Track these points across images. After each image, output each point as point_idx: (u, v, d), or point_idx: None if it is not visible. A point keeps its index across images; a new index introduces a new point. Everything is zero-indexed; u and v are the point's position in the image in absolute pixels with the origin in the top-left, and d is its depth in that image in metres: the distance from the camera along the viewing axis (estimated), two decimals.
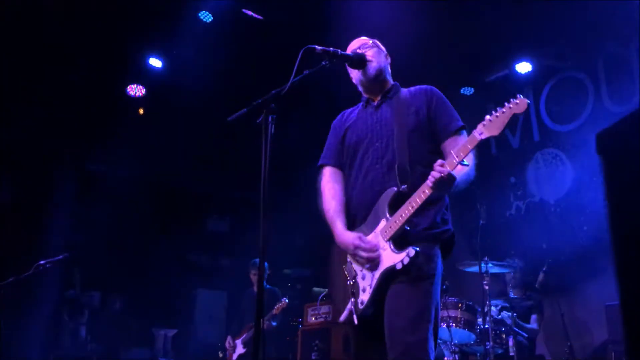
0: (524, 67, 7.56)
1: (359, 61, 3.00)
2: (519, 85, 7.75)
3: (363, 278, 2.76)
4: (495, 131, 2.43)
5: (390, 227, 2.67)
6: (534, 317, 6.14)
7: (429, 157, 2.75)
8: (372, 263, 2.70)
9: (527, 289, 6.33)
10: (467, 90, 8.15)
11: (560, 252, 6.68)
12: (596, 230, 6.52)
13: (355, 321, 2.73)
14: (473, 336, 5.59)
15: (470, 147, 2.47)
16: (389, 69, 3.16)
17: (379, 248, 2.69)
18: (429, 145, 2.86)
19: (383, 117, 2.97)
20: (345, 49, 3.06)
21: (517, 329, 5.64)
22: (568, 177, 7.16)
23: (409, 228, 2.67)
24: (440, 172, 2.48)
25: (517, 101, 2.43)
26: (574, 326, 6.29)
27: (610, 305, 5.42)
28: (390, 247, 2.66)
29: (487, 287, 5.49)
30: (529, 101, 2.43)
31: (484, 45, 7.20)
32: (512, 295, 6.18)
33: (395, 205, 2.69)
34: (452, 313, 5.60)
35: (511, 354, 5.47)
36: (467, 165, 2.50)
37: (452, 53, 7.25)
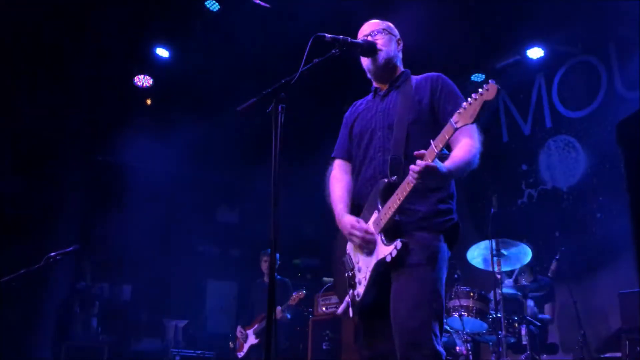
0: (535, 53, 7.47)
1: (369, 49, 2.97)
2: (530, 71, 7.67)
3: (359, 270, 2.78)
4: (469, 119, 2.36)
5: (380, 219, 2.68)
6: (547, 306, 6.10)
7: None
8: (368, 246, 2.71)
9: (536, 274, 6.28)
10: (478, 77, 8.06)
11: (573, 240, 6.63)
12: (609, 217, 6.46)
13: (350, 314, 2.77)
14: (485, 325, 5.55)
15: (447, 137, 2.42)
16: (400, 56, 3.11)
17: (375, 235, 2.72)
18: (432, 135, 2.72)
19: (387, 106, 2.95)
20: (354, 36, 3.01)
21: (529, 318, 5.60)
22: (581, 164, 7.09)
23: (398, 219, 2.65)
24: (418, 165, 2.44)
25: (487, 87, 2.34)
26: (587, 314, 6.23)
27: (624, 293, 5.37)
28: (382, 239, 2.66)
29: (499, 276, 5.45)
30: (498, 87, 2.33)
31: (495, 30, 7.13)
32: (523, 282, 6.13)
33: (387, 196, 2.68)
34: (464, 302, 5.57)
35: (524, 342, 5.44)
36: (447, 153, 2.49)
37: (463, 39, 7.17)
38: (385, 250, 2.62)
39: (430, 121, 2.81)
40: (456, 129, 2.39)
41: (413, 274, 2.60)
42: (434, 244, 2.67)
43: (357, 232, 2.72)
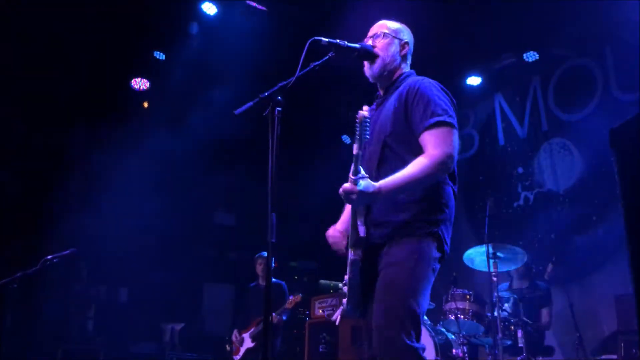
0: (531, 56, 7.49)
1: (366, 54, 2.93)
2: (527, 74, 7.69)
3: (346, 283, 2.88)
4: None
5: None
6: (544, 311, 6.09)
7: (409, 158, 2.64)
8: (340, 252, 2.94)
9: (533, 278, 6.28)
10: (475, 80, 8.09)
11: (569, 243, 6.64)
12: (605, 220, 6.48)
13: (337, 322, 2.94)
14: (481, 328, 5.56)
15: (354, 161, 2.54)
16: (403, 59, 3.00)
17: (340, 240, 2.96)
18: (410, 145, 2.71)
19: (377, 119, 2.91)
20: (350, 39, 2.98)
21: (526, 319, 5.60)
22: (576, 167, 7.11)
23: (363, 235, 2.67)
24: (341, 190, 2.55)
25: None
26: (583, 317, 6.24)
27: (620, 295, 5.40)
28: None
29: (495, 279, 5.46)
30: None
31: (492, 33, 7.14)
32: (517, 285, 6.14)
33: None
34: (460, 305, 5.58)
35: (520, 345, 5.44)
36: (364, 176, 2.52)
37: (460, 42, 7.19)
38: None
39: (406, 130, 2.75)
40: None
41: (384, 284, 2.63)
42: (404, 252, 2.64)
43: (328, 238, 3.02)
